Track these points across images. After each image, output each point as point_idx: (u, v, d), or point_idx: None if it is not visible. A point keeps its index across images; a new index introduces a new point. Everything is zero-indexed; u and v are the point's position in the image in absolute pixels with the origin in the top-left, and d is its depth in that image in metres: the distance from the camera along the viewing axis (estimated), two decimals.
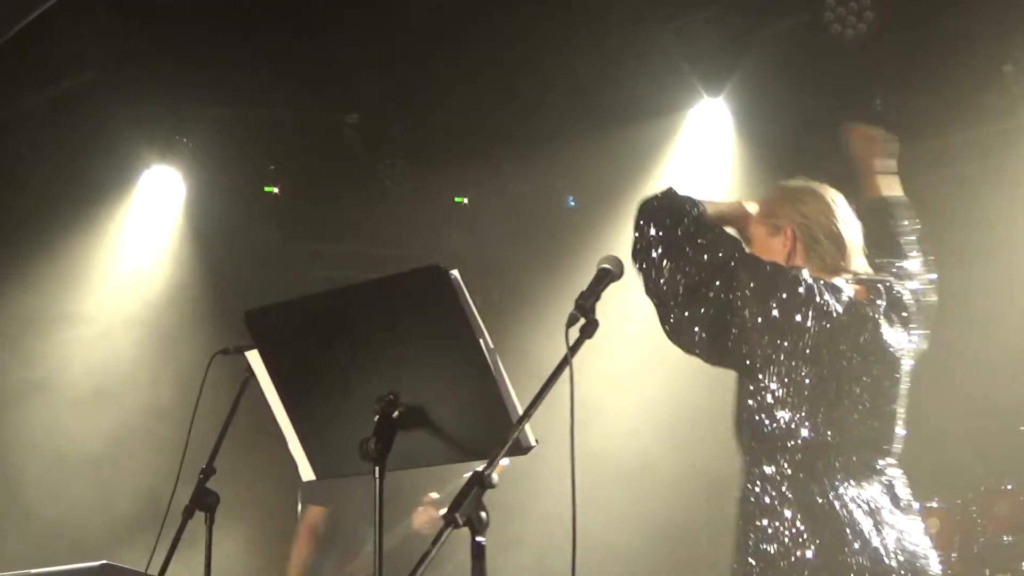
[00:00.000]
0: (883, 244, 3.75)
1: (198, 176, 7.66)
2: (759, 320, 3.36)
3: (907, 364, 3.53)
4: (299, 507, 6.22)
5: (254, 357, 3.27)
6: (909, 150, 3.96)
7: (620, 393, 6.92)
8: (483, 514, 2.57)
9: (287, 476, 3.44)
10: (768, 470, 3.41)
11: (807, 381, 3.38)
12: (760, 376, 3.41)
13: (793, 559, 3.33)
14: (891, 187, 3.83)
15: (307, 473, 3.26)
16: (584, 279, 3.04)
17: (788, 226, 3.58)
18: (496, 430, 2.81)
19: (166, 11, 6.34)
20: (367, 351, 3.07)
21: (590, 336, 2.91)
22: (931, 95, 6.12)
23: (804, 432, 3.37)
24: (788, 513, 3.36)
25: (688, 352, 3.46)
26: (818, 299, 3.39)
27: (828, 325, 3.39)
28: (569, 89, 7.08)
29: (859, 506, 3.34)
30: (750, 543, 3.41)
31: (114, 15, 6.39)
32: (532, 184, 7.92)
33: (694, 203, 3.54)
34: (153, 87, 6.97)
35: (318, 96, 7.29)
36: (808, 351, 3.37)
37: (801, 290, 3.39)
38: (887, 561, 3.31)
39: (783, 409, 3.39)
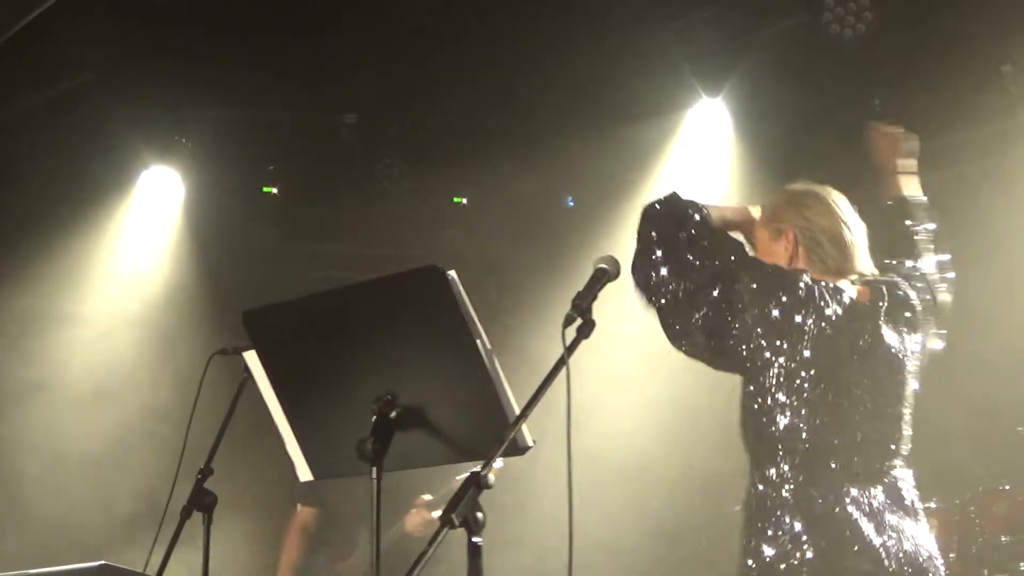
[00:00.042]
0: (898, 244, 3.76)
1: (197, 176, 7.67)
2: (759, 322, 3.37)
3: (912, 365, 3.53)
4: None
5: (252, 358, 3.27)
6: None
7: (618, 393, 6.92)
8: (479, 514, 2.57)
9: (285, 477, 3.44)
10: (769, 472, 3.42)
11: (807, 383, 3.38)
12: (760, 378, 3.42)
13: (793, 562, 3.33)
14: (911, 187, 3.84)
15: (304, 474, 3.26)
16: (583, 279, 3.04)
17: (790, 230, 3.59)
18: (493, 430, 2.81)
19: (164, 12, 6.34)
20: (365, 351, 3.07)
21: (587, 336, 2.91)
22: (930, 95, 6.12)
23: (804, 434, 3.38)
24: (787, 516, 3.36)
25: (691, 356, 3.48)
26: (818, 301, 3.40)
27: (828, 327, 3.39)
28: (568, 89, 7.08)
29: (861, 509, 3.34)
30: (751, 545, 3.42)
31: (112, 16, 6.39)
32: (531, 184, 7.92)
33: (697, 207, 3.55)
34: (151, 88, 6.97)
35: (316, 97, 7.29)
36: (808, 353, 3.38)
37: (801, 292, 3.40)
38: (888, 564, 3.32)
39: (783, 412, 3.39)
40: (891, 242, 3.77)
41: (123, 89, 6.90)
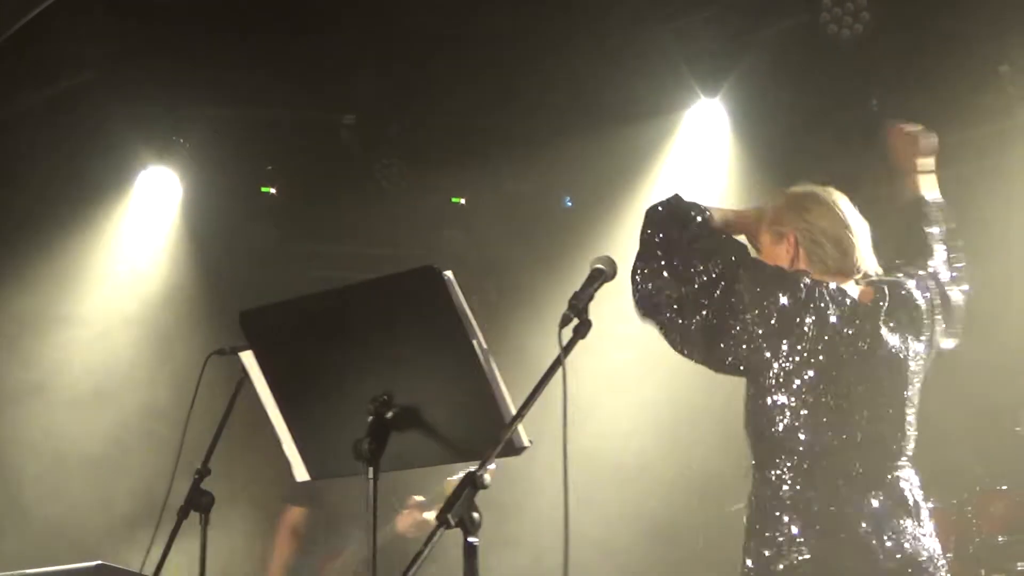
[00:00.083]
0: (911, 244, 3.76)
1: (195, 176, 7.67)
2: (760, 324, 3.38)
3: (915, 366, 3.53)
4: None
5: (248, 358, 3.27)
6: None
7: (616, 393, 6.92)
8: (475, 515, 2.57)
9: (282, 476, 3.44)
10: (769, 473, 3.44)
11: (806, 385, 3.39)
12: (761, 380, 3.43)
13: (789, 562, 3.34)
14: (930, 187, 3.84)
15: (301, 474, 3.27)
16: (581, 279, 3.04)
17: (791, 232, 3.60)
18: (490, 431, 2.81)
19: (163, 11, 6.34)
20: (361, 352, 3.07)
21: (583, 336, 2.91)
22: (927, 95, 6.13)
23: (803, 436, 3.39)
24: (785, 516, 3.37)
25: (692, 359, 3.49)
26: (818, 302, 3.41)
27: (828, 328, 3.40)
28: (566, 89, 7.09)
29: (860, 510, 3.35)
30: (750, 545, 3.44)
31: (112, 15, 6.39)
32: (529, 184, 7.93)
33: (700, 209, 3.57)
34: (150, 87, 6.97)
35: (315, 96, 7.30)
36: (807, 354, 3.39)
37: (801, 293, 3.41)
38: (885, 565, 3.32)
39: (783, 413, 3.41)
40: (904, 242, 3.78)
41: (122, 88, 6.91)
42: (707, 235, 3.52)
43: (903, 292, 3.57)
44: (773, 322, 3.38)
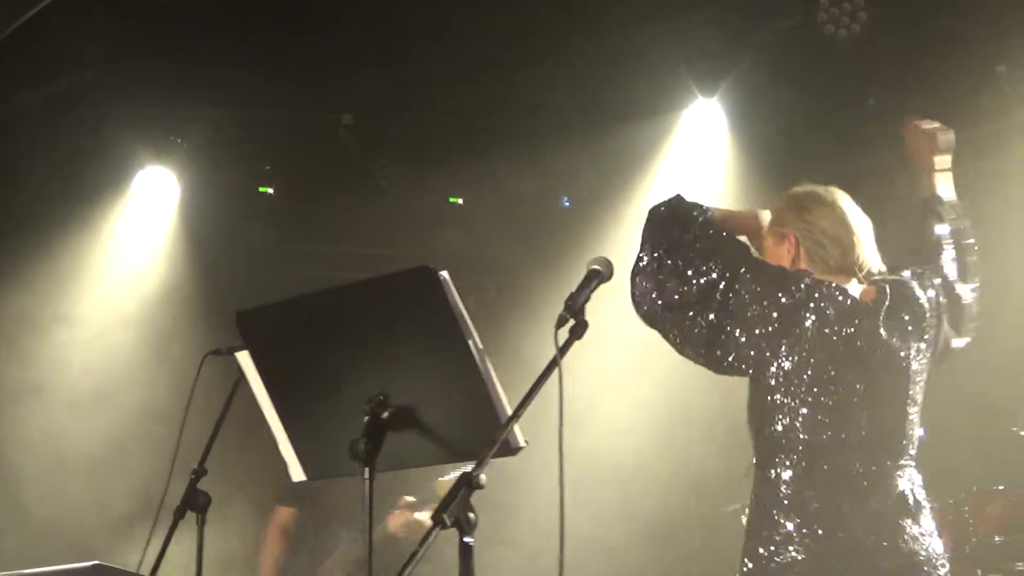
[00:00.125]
0: (921, 242, 3.76)
1: (193, 177, 7.68)
2: (760, 323, 3.39)
3: (917, 365, 3.52)
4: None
5: (244, 358, 3.27)
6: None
7: (613, 393, 6.93)
8: (471, 515, 2.58)
9: (279, 477, 3.44)
10: (769, 473, 3.44)
11: (805, 384, 3.40)
12: (761, 380, 3.44)
13: (785, 561, 3.35)
14: (945, 185, 3.81)
15: (297, 474, 3.27)
16: (579, 279, 3.05)
17: (791, 233, 3.60)
18: (486, 431, 2.81)
19: (162, 11, 6.34)
20: (357, 352, 3.07)
21: (580, 337, 2.92)
22: (925, 96, 6.12)
23: (802, 435, 3.39)
24: (783, 516, 3.38)
25: (693, 360, 3.49)
26: (818, 302, 3.41)
27: (827, 328, 3.40)
28: (565, 89, 7.09)
29: (858, 510, 3.36)
30: (748, 544, 3.45)
31: (110, 15, 6.39)
32: (527, 184, 7.93)
33: (702, 209, 3.58)
34: (149, 87, 6.97)
35: (313, 96, 7.29)
36: (806, 354, 3.39)
37: (801, 293, 3.41)
38: (881, 565, 3.33)
39: (782, 412, 3.41)
40: (914, 239, 3.77)
41: (120, 88, 6.91)
42: (709, 235, 3.52)
43: (905, 291, 3.57)
44: (773, 322, 3.38)
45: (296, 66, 6.85)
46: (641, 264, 3.52)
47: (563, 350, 2.86)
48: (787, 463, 3.40)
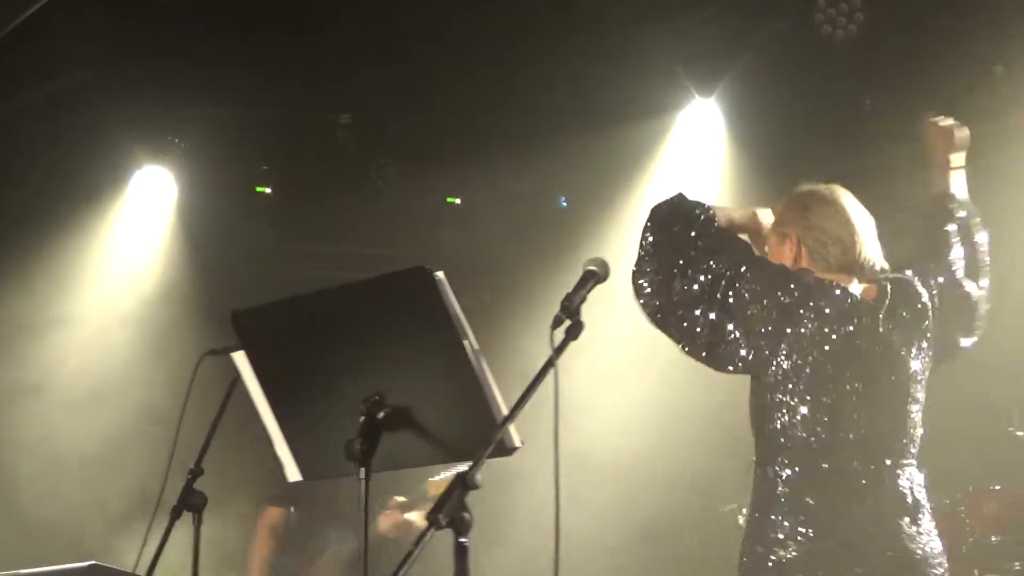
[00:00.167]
0: (929, 239, 3.75)
1: (190, 177, 7.68)
2: (760, 322, 3.40)
3: (918, 364, 3.52)
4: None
5: (240, 358, 3.27)
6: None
7: (609, 393, 6.93)
8: (466, 515, 2.57)
9: (275, 476, 3.45)
10: (768, 471, 3.45)
11: (804, 382, 3.40)
12: (761, 378, 3.45)
13: (781, 559, 3.35)
14: (959, 183, 3.82)
15: (293, 474, 3.27)
16: (576, 279, 3.05)
17: (793, 232, 3.61)
18: (481, 431, 2.81)
19: (161, 11, 6.34)
20: (353, 352, 3.07)
21: (575, 338, 2.91)
22: (921, 96, 6.11)
23: (801, 433, 3.40)
24: (780, 514, 3.39)
25: (694, 358, 3.49)
26: (818, 301, 3.42)
27: (827, 326, 3.41)
28: (562, 89, 7.10)
29: (855, 508, 3.36)
30: (745, 542, 3.46)
31: (110, 14, 6.39)
32: (525, 184, 7.94)
33: (704, 207, 3.57)
34: (146, 87, 6.98)
35: (311, 96, 7.30)
36: (806, 353, 3.40)
37: (801, 292, 3.42)
38: (877, 563, 3.33)
39: (781, 410, 3.42)
40: (923, 236, 3.77)
41: (118, 87, 6.91)
42: (711, 233, 3.52)
43: (907, 289, 3.57)
44: (773, 321, 3.39)
45: (292, 66, 6.86)
46: (643, 263, 3.52)
47: (559, 351, 2.86)
48: (786, 461, 3.41)
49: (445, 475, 5.33)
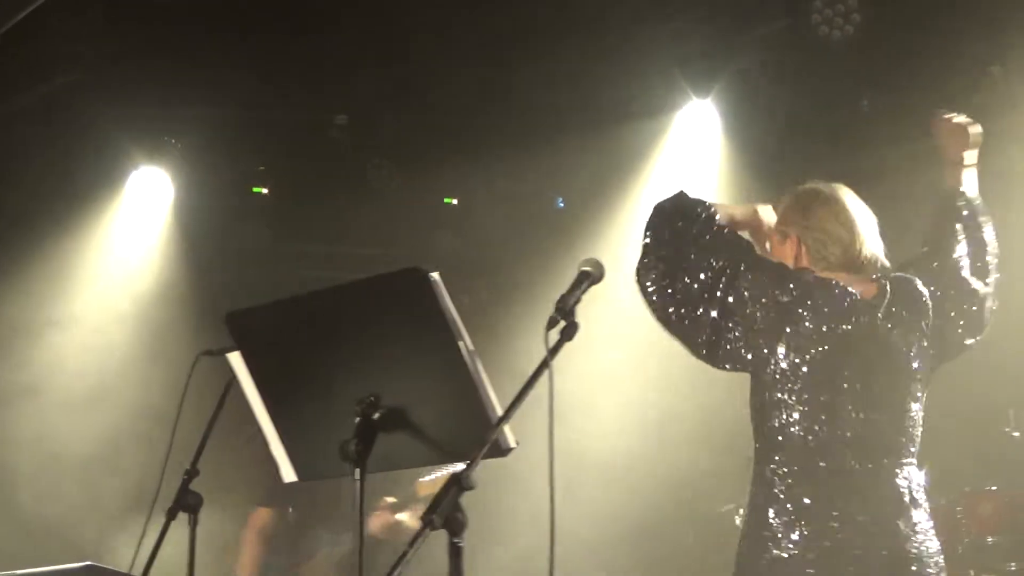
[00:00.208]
0: (937, 236, 3.74)
1: (187, 177, 7.68)
2: (759, 320, 3.41)
3: (918, 363, 3.52)
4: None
5: (235, 359, 3.27)
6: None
7: (604, 393, 6.93)
8: (460, 515, 2.57)
9: (271, 477, 3.45)
10: (765, 469, 3.45)
11: (802, 381, 3.40)
12: (760, 376, 3.45)
13: (778, 557, 3.35)
14: (971, 182, 3.81)
15: (289, 474, 3.27)
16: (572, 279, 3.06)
17: (793, 231, 3.61)
18: (476, 432, 2.81)
19: (159, 11, 6.34)
20: (348, 353, 3.07)
21: (570, 339, 2.91)
22: (918, 96, 6.13)
23: (798, 432, 3.40)
24: (778, 512, 3.39)
25: (694, 355, 3.50)
26: (816, 299, 3.42)
27: (825, 325, 3.41)
28: (559, 90, 7.11)
29: (851, 507, 3.36)
30: (742, 541, 3.47)
31: (107, 14, 6.39)
32: (521, 184, 7.94)
33: (705, 205, 3.58)
34: (143, 87, 6.97)
35: (307, 97, 7.30)
36: (804, 351, 3.41)
37: (800, 290, 3.42)
38: (872, 562, 3.33)
39: (779, 409, 3.42)
40: (930, 233, 3.75)
41: (115, 87, 6.91)
42: (712, 231, 3.52)
43: (908, 288, 3.57)
44: (772, 319, 3.40)
45: (289, 67, 6.86)
46: (644, 261, 3.52)
47: (553, 351, 2.86)
48: (784, 459, 3.41)
49: (435, 475, 5.33)
